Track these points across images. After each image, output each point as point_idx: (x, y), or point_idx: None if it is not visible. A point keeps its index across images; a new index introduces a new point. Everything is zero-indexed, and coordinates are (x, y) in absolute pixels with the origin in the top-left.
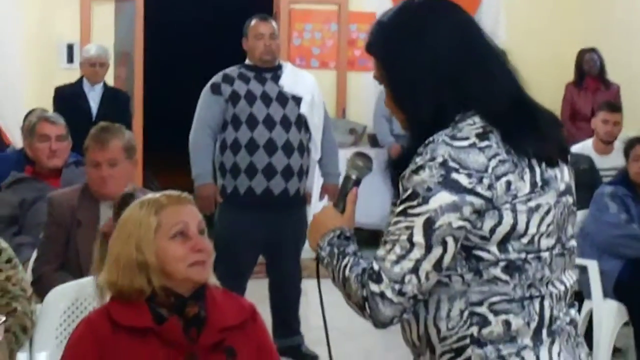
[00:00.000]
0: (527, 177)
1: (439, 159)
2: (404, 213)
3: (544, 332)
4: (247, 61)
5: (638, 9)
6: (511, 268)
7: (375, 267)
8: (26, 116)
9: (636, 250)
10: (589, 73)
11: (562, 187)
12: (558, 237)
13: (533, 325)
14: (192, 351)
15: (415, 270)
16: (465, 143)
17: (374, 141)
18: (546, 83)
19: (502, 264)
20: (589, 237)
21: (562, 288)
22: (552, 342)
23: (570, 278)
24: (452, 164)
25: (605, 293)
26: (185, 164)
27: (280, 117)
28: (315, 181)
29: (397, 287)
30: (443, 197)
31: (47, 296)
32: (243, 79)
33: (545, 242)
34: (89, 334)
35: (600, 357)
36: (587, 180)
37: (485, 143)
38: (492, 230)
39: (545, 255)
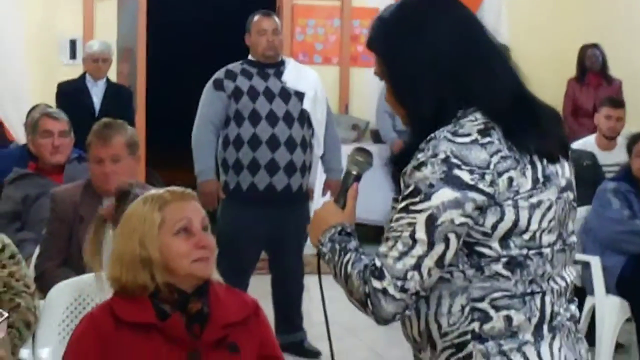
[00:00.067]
0: (528, 173)
1: (441, 155)
2: (406, 209)
3: (545, 327)
4: (249, 57)
5: None
6: (513, 264)
7: (378, 263)
8: (29, 112)
9: (639, 246)
10: (591, 69)
11: (563, 183)
12: (559, 233)
13: (534, 320)
14: (195, 347)
15: (417, 266)
16: (467, 139)
17: (376, 137)
18: (548, 79)
19: (503, 260)
20: (592, 233)
21: (563, 284)
22: (553, 338)
23: (570, 274)
24: (454, 160)
25: (608, 289)
26: (188, 160)
27: (283, 113)
28: (318, 177)
29: (399, 283)
30: (445, 194)
31: (50, 292)
32: (246, 75)
33: (547, 238)
34: (91, 330)
35: (602, 353)
36: (589, 176)
37: (487, 139)
38: (494, 227)
39: (546, 251)
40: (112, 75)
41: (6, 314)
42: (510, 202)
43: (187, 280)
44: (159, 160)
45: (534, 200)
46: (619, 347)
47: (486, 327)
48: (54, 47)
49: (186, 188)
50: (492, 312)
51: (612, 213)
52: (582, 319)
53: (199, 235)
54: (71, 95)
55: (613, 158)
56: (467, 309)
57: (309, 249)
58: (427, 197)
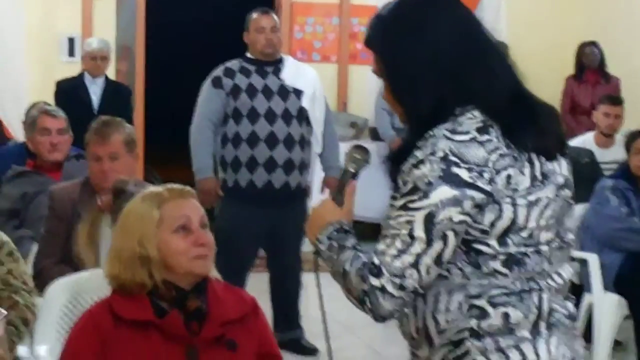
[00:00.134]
0: (527, 171)
1: (440, 153)
2: (404, 207)
3: (543, 324)
4: (248, 54)
5: (639, 2)
6: (511, 261)
7: (376, 261)
8: (28, 110)
9: (637, 243)
10: (589, 66)
11: (560, 180)
12: (557, 231)
13: (532, 318)
14: (193, 344)
15: (416, 264)
16: (465, 137)
17: (375, 135)
18: (546, 76)
19: (501, 257)
20: (590, 230)
21: (560, 281)
22: (550, 335)
23: (567, 271)
24: (452, 158)
25: (606, 286)
26: (186, 158)
27: (282, 110)
28: (316, 175)
29: (397, 281)
30: (444, 192)
31: (48, 289)
32: (244, 73)
33: (545, 236)
34: (90, 327)
35: (600, 351)
36: (588, 173)
37: (486, 137)
38: (493, 224)
39: (544, 248)
40: (111, 73)
41: (5, 312)
42: (508, 199)
43: (185, 277)
44: (157, 158)
45: (532, 197)
46: (617, 344)
47: (484, 324)
48: (53, 45)
49: (185, 186)
50: (489, 309)
51: (610, 210)
52: (580, 316)
53: (197, 233)
54: (70, 93)
55: (611, 155)
56: (464, 306)
57: (307, 247)
58: (426, 195)
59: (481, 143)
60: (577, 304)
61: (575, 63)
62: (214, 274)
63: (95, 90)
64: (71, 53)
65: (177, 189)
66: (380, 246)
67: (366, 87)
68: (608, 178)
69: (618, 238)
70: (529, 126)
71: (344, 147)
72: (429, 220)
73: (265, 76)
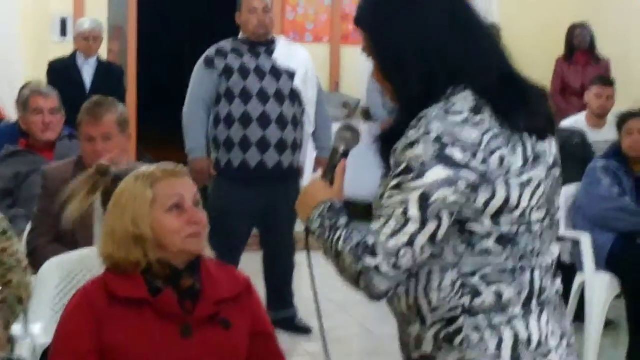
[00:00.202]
0: (519, 151)
1: (433, 134)
2: (398, 187)
3: (534, 302)
4: (240, 35)
5: None
6: (503, 240)
7: (370, 241)
8: (21, 90)
9: (628, 223)
10: (579, 48)
11: (551, 160)
12: (547, 210)
13: (524, 295)
14: (187, 323)
15: (410, 244)
16: (459, 118)
17: (367, 115)
18: (538, 57)
19: (494, 236)
20: (581, 210)
21: (550, 259)
22: (541, 312)
23: (556, 249)
24: (446, 138)
25: (598, 266)
26: (179, 138)
27: (274, 91)
28: (309, 155)
29: (392, 260)
30: (438, 172)
31: (42, 268)
32: (236, 53)
33: (536, 215)
34: (85, 304)
35: (592, 330)
36: (579, 154)
37: (479, 118)
38: (486, 204)
39: (536, 227)
40: (103, 53)
41: None
42: (501, 180)
43: (179, 256)
44: (149, 139)
45: (524, 178)
46: (608, 323)
47: (477, 301)
48: (45, 25)
49: (177, 164)
50: (482, 287)
51: (602, 190)
52: (572, 295)
53: (190, 212)
54: (62, 73)
55: (603, 136)
56: (457, 284)
57: (300, 226)
58: (420, 176)
59: (475, 124)
60: (569, 284)
61: (565, 44)
62: (208, 253)
63: (87, 71)
64: (63, 33)
65: (169, 168)
66: (375, 226)
67: (358, 67)
68: (599, 158)
69: (610, 218)
70: (521, 106)
71: (336, 128)
72: (424, 200)
73: (257, 57)
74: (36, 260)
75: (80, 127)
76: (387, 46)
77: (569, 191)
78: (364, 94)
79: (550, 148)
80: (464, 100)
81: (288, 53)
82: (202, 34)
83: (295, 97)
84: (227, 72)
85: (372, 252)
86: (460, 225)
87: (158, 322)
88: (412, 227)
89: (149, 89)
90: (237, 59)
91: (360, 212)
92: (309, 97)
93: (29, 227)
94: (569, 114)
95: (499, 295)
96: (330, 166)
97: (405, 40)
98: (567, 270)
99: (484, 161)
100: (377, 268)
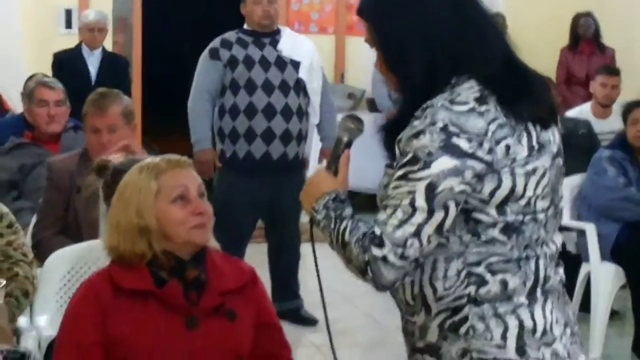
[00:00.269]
0: (524, 140)
1: (440, 124)
2: (404, 177)
3: (539, 290)
4: (245, 26)
5: None
6: (509, 229)
7: (377, 231)
8: (26, 82)
9: (633, 213)
10: (584, 37)
11: (554, 149)
12: (552, 199)
13: (529, 284)
14: (192, 314)
15: (417, 234)
16: (464, 107)
17: (372, 106)
18: (543, 48)
19: (500, 225)
20: (587, 200)
21: (554, 248)
22: (545, 300)
23: (559, 238)
24: (452, 128)
25: (603, 256)
26: (184, 129)
27: (279, 81)
28: (314, 146)
29: (399, 251)
30: (444, 162)
31: (48, 260)
32: (241, 44)
33: (541, 204)
34: (91, 295)
35: (597, 320)
36: (585, 144)
37: (485, 107)
38: (492, 194)
39: (541, 216)
40: (108, 45)
41: (4, 282)
42: (507, 169)
43: (184, 247)
44: (155, 129)
45: (529, 167)
46: (614, 313)
47: (482, 290)
48: (50, 17)
49: (181, 156)
50: (488, 276)
51: (607, 180)
52: (577, 286)
53: (195, 203)
54: (67, 64)
55: (608, 126)
56: (463, 273)
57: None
58: (427, 165)
59: (480, 113)
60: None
61: (570, 34)
62: (213, 243)
63: (92, 62)
64: (68, 25)
65: (174, 159)
66: (381, 216)
67: (363, 58)
68: (605, 148)
69: (615, 208)
70: (525, 96)
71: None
72: (431, 190)
73: (262, 47)
74: (41, 252)
75: (86, 118)
76: (390, 36)
77: (574, 181)
78: (369, 84)
79: (553, 137)
80: (468, 90)
81: (293, 44)
82: (208, 25)
83: (300, 87)
84: (232, 63)
85: (379, 242)
86: (466, 214)
87: (163, 314)
88: (419, 217)
89: (154, 80)
90: (242, 49)
91: (364, 203)
92: (314, 88)
93: (34, 219)
94: (573, 103)
95: (504, 285)
96: (334, 156)
97: (407, 30)
98: (573, 260)
99: (490, 151)
100: (384, 258)
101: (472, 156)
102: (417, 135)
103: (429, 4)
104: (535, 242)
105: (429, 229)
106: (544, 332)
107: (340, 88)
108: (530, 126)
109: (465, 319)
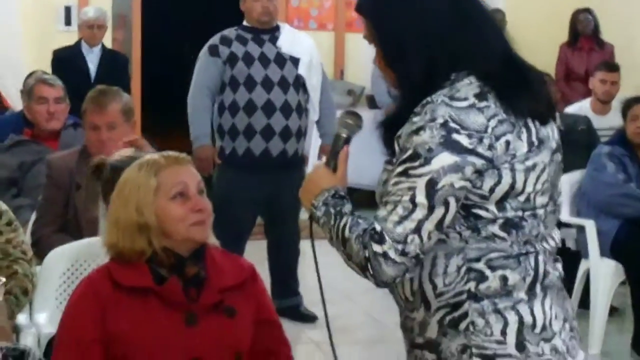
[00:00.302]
0: (524, 136)
1: (440, 120)
2: (405, 174)
3: (538, 286)
4: (244, 23)
5: None
6: (509, 225)
7: (377, 227)
8: (25, 79)
9: (633, 209)
10: (583, 33)
11: (553, 145)
12: (551, 195)
13: (528, 280)
14: (192, 311)
15: (417, 230)
16: (464, 104)
17: (371, 102)
18: (543, 44)
19: (500, 221)
20: (586, 196)
21: (553, 244)
22: (545, 296)
23: (557, 234)
24: (452, 124)
25: (603, 252)
26: (183, 127)
27: (279, 78)
28: (313, 142)
29: (400, 247)
30: (445, 158)
31: (47, 258)
32: (241, 41)
33: (540, 200)
34: (90, 293)
35: (597, 316)
36: (584, 140)
37: (484, 103)
38: (492, 190)
39: (540, 212)
40: (107, 42)
41: (3, 279)
42: (507, 165)
43: (184, 244)
44: (154, 126)
45: (529, 163)
46: (613, 310)
47: (482, 286)
48: (50, 14)
49: (181, 153)
50: (488, 272)
51: (607, 177)
52: (577, 282)
53: (195, 199)
54: (67, 61)
55: (608, 122)
56: (463, 269)
57: (305, 214)
58: (427, 162)
59: (480, 109)
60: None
61: (569, 30)
62: (213, 241)
63: (92, 59)
64: (68, 22)
65: (173, 155)
66: (381, 212)
67: (363, 55)
68: (604, 144)
69: (615, 204)
70: (524, 92)
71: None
72: (431, 187)
73: (261, 44)
74: (41, 249)
75: (85, 116)
76: (388, 33)
77: (573, 177)
78: (369, 81)
79: (552, 132)
80: (468, 86)
81: (292, 40)
82: (207, 22)
83: (299, 84)
84: (232, 59)
85: (380, 238)
86: (466, 210)
87: (163, 311)
88: (419, 214)
89: (153, 77)
90: (241, 46)
91: (363, 200)
92: (314, 85)
93: (33, 216)
94: (573, 100)
95: (504, 280)
96: (333, 152)
97: (406, 26)
98: (572, 257)
99: (490, 147)
100: (384, 255)
101: (473, 152)
102: (417, 131)
103: (428, 0)
104: (534, 238)
105: (429, 225)
106: (544, 327)
107: (340, 85)
108: (530, 122)
109: (465, 314)
